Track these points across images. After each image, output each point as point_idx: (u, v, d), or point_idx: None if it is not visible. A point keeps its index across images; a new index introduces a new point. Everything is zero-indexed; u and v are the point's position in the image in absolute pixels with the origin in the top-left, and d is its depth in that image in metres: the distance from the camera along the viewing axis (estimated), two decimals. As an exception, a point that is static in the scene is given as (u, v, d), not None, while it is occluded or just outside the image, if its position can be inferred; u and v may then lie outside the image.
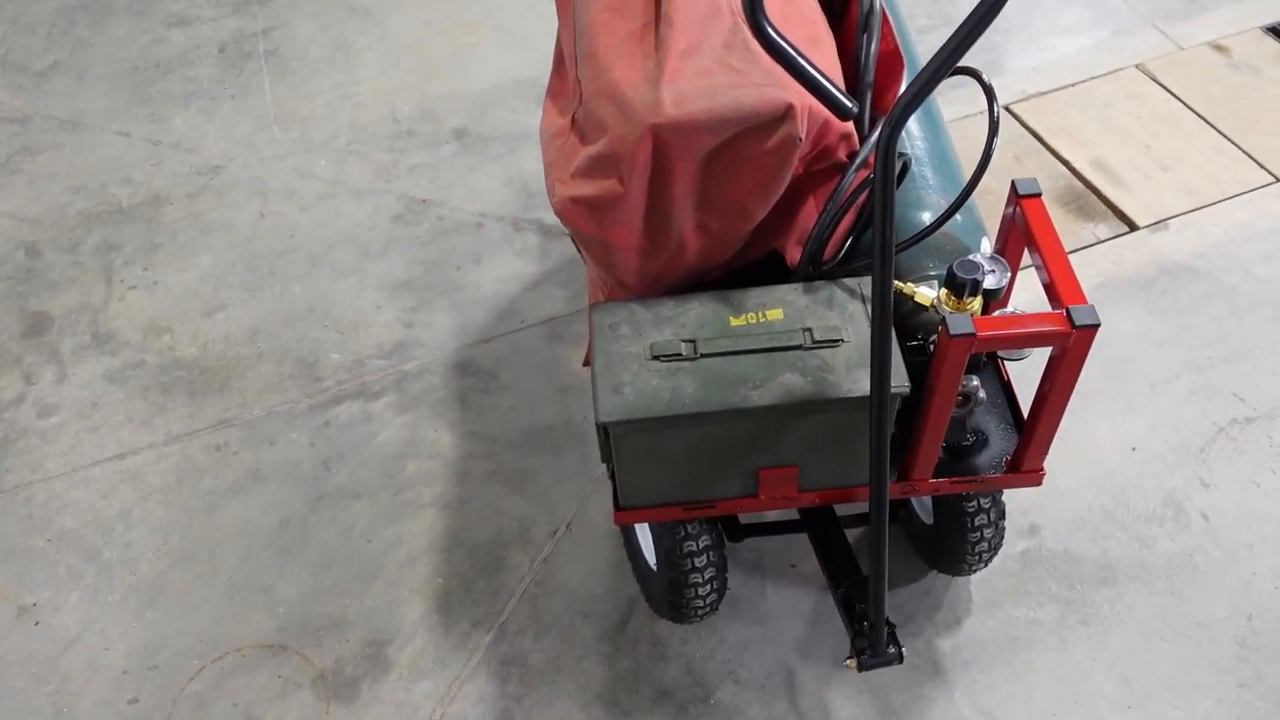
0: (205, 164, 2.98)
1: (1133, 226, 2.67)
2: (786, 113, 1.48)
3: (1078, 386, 2.28)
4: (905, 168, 1.69)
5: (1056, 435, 2.19)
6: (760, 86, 1.50)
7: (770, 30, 1.22)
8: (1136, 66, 3.07)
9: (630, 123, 1.52)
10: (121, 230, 2.82)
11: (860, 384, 1.52)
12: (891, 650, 1.74)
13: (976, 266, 1.56)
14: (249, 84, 3.21)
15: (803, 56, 1.27)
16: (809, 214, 1.65)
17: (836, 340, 1.57)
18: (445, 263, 2.70)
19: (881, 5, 1.80)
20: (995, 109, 1.61)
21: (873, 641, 1.72)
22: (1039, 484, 1.73)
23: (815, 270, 1.67)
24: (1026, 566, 2.11)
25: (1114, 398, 2.35)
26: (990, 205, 2.68)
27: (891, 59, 1.82)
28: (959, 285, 1.56)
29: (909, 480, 1.70)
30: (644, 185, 1.55)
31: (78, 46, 3.36)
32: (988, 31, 2.96)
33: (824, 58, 1.64)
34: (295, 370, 2.50)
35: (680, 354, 1.57)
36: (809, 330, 1.58)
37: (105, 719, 1.99)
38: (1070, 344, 1.47)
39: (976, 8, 1.23)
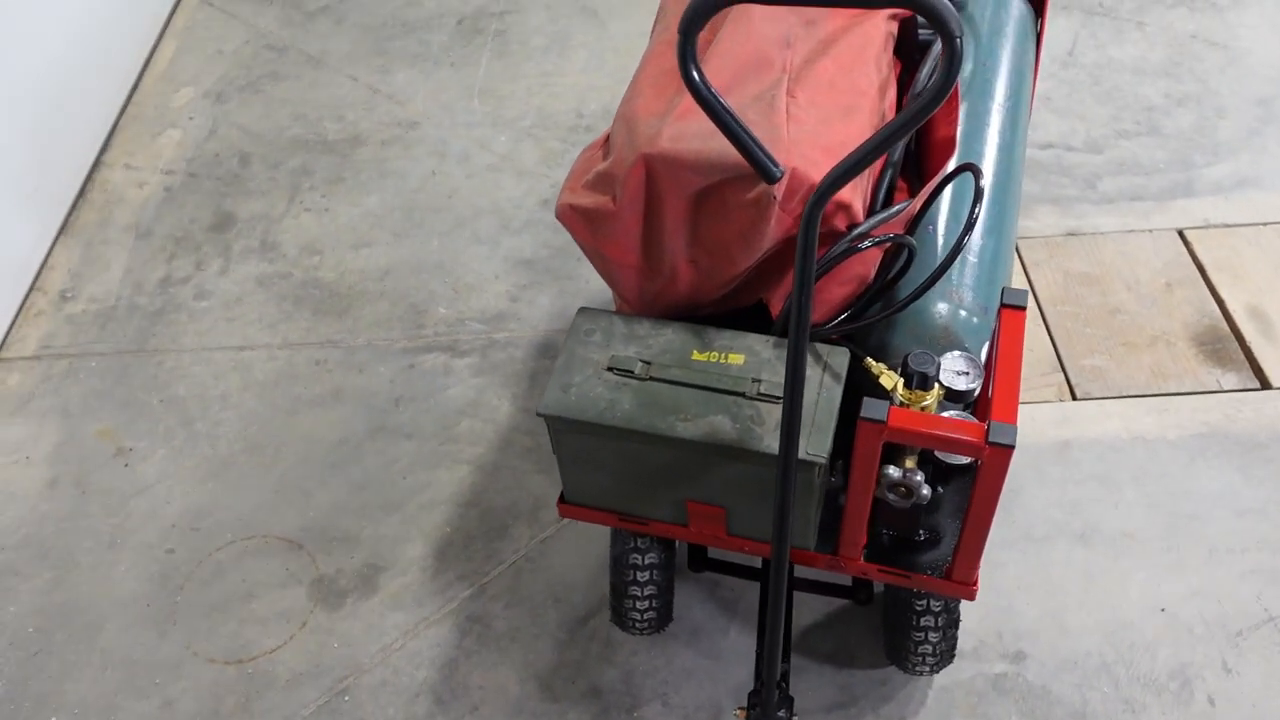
0: (406, 118, 3.31)
1: (1265, 385, 2.46)
2: (768, 170, 1.53)
3: (1128, 529, 2.18)
4: (911, 255, 1.69)
5: (1085, 572, 2.11)
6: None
7: (697, 79, 1.29)
8: (1347, 220, 2.80)
9: (631, 148, 1.62)
10: (318, 159, 3.19)
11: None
12: (781, 714, 1.75)
13: (930, 361, 1.55)
14: (470, 56, 3.52)
15: (732, 114, 1.32)
16: (800, 273, 1.69)
17: (779, 397, 1.60)
18: (569, 252, 2.87)
19: (937, 89, 1.80)
20: (976, 210, 1.58)
21: (763, 702, 1.73)
22: (971, 597, 1.68)
23: (795, 329, 1.70)
24: (996, 690, 2.03)
25: (1165, 552, 2.19)
26: (1120, 325, 2.56)
27: (945, 146, 1.81)
28: (908, 375, 1.55)
29: (837, 555, 1.70)
30: (637, 209, 1.65)
31: (348, -4, 3.80)
32: (1191, 148, 2.83)
33: (853, 129, 1.67)
34: (405, 314, 2.75)
35: (633, 372, 1.65)
36: (758, 381, 1.62)
37: (145, 559, 2.31)
38: (985, 458, 1.44)
39: (916, 99, 1.25)
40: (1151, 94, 3.19)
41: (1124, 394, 2.47)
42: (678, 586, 2.17)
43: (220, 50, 3.60)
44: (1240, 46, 3.32)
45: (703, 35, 1.79)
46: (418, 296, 2.80)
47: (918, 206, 1.72)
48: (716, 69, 1.69)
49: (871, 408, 1.46)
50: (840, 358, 1.65)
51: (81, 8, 3.17)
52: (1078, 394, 2.48)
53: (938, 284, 1.73)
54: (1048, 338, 2.59)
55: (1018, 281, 2.72)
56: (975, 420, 1.52)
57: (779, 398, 1.60)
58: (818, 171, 1.56)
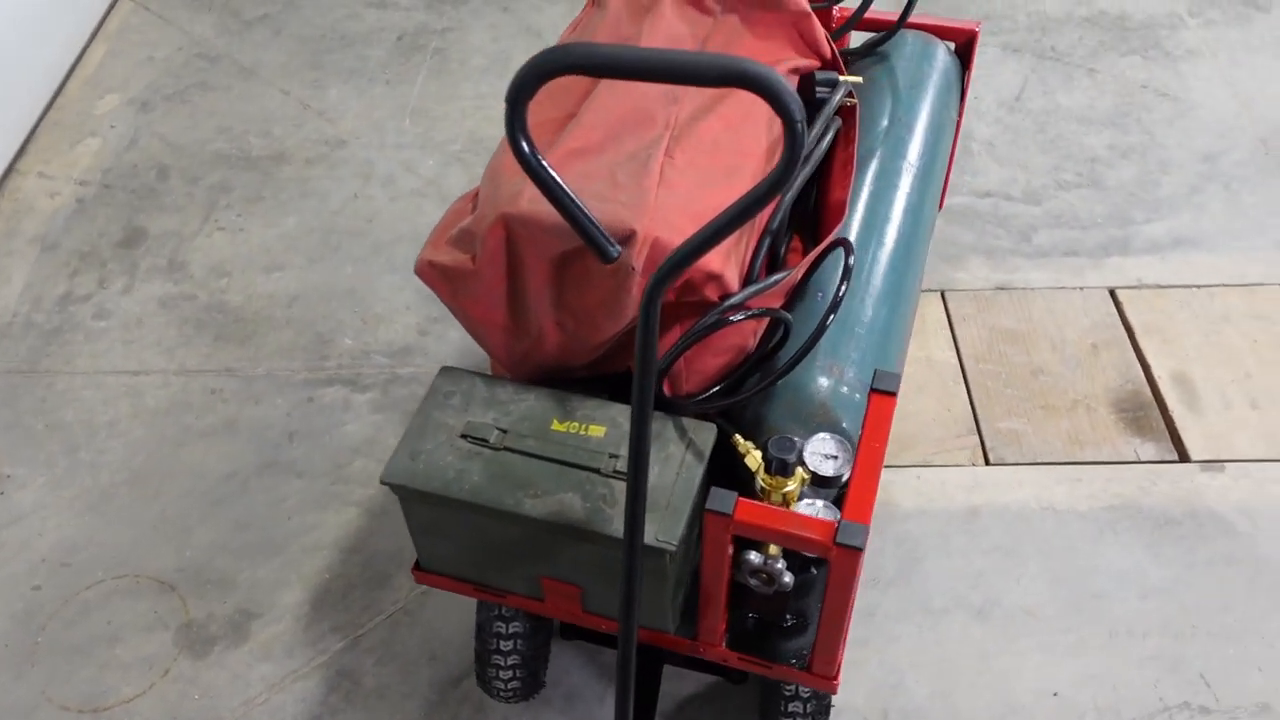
0: (334, 136, 3.22)
1: (1184, 457, 2.38)
2: (627, 239, 1.45)
3: (1029, 605, 2.11)
4: (786, 331, 1.61)
5: (981, 650, 2.04)
6: (618, 206, 1.48)
7: (526, 151, 1.20)
8: (1283, 286, 2.72)
9: (493, 205, 1.54)
10: (239, 176, 3.10)
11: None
12: (634, 802, 1.66)
13: (790, 447, 1.46)
14: (407, 74, 3.43)
15: (564, 189, 1.23)
16: (671, 341, 1.60)
17: (634, 476, 1.51)
18: (485, 285, 2.78)
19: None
20: (841, 290, 1.51)
21: (615, 788, 1.65)
22: (832, 690, 1.60)
23: (665, 399, 1.62)
24: (877, 774, 1.95)
25: (1064, 632, 2.12)
26: (1042, 387, 2.47)
27: (838, 210, 1.73)
28: (767, 461, 1.47)
29: (697, 640, 1.62)
30: (499, 268, 1.57)
31: (288, 5, 3.70)
32: (1131, 203, 2.75)
33: (732, 193, 1.58)
34: (310, 343, 2.66)
35: (487, 440, 1.57)
36: (615, 457, 1.54)
37: (9, 596, 2.21)
38: (832, 560, 1.35)
39: (756, 186, 1.17)
40: (1096, 144, 3.12)
41: (1039, 460, 2.39)
42: (556, 649, 2.09)
43: (151, 56, 3.50)
44: (1191, 99, 3.25)
45: (583, 85, 1.71)
46: (325, 326, 2.70)
47: (799, 276, 1.64)
48: (591, 123, 1.61)
49: (718, 499, 1.38)
50: (706, 434, 1.57)
51: (8, 6, 3.07)
52: (991, 458, 2.40)
53: (818, 357, 1.65)
54: (967, 397, 2.51)
55: (941, 337, 2.64)
56: (830, 516, 1.44)
57: (634, 476, 1.51)
58: (680, 241, 1.47)
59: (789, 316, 1.59)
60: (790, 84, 1.14)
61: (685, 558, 1.56)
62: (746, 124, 1.68)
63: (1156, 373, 2.54)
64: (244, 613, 2.18)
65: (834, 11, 2.30)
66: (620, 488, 1.51)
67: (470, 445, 1.57)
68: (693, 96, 1.69)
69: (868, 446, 1.44)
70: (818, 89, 1.78)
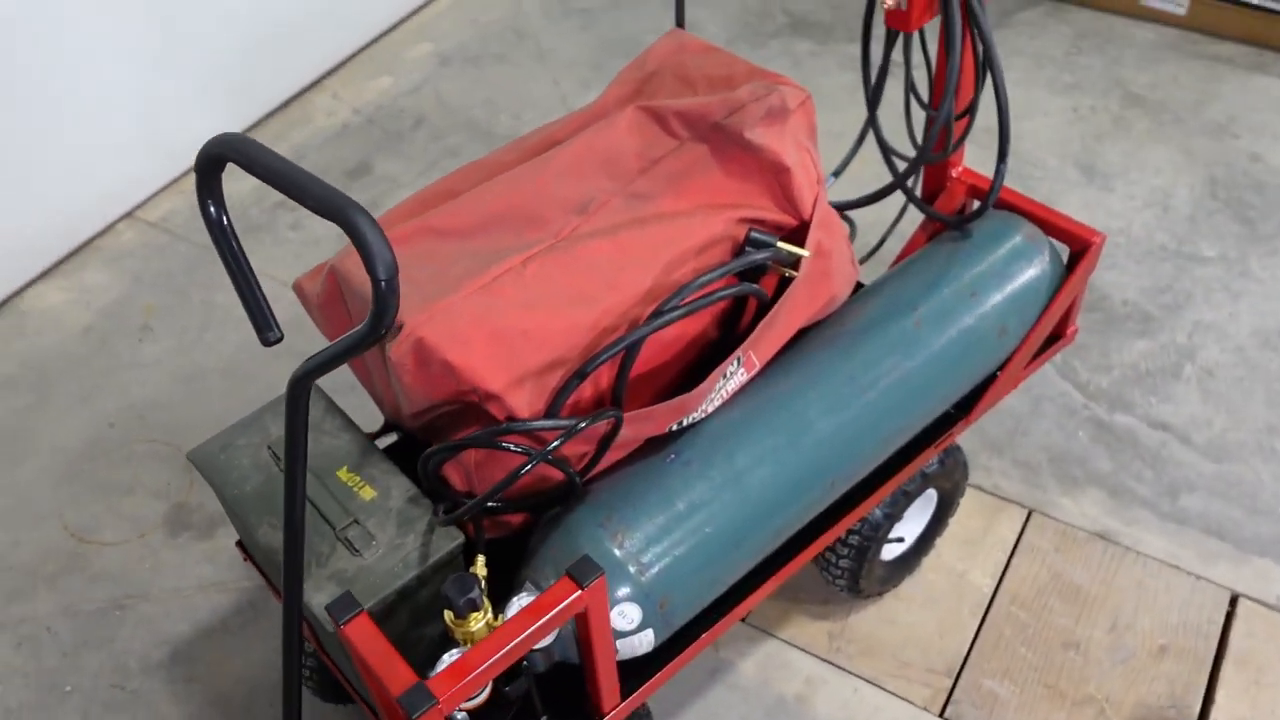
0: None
1: (1172, 823, 1.91)
2: (398, 330, 1.45)
3: None
4: (570, 483, 1.53)
5: None
6: (417, 295, 1.48)
7: (213, 214, 1.24)
8: None
9: (338, 252, 1.60)
10: (472, 145, 3.35)
11: (311, 598, 1.49)
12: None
13: (465, 589, 1.40)
14: (669, 99, 3.49)
15: (239, 260, 1.26)
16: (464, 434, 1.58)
17: (357, 551, 1.53)
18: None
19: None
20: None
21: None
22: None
23: (438, 494, 1.60)
24: None
25: None
26: (1064, 664, 2.09)
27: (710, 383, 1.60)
28: (446, 600, 1.43)
29: None
30: (338, 311, 1.64)
31: (613, 4, 3.89)
32: None
33: (563, 322, 1.51)
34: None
35: (280, 461, 1.65)
36: (357, 524, 1.56)
37: (93, 422, 2.66)
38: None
39: (350, 335, 1.15)
40: (1344, 421, 2.49)
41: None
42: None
43: (477, 19, 3.85)
44: None
45: (500, 165, 1.71)
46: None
47: (590, 426, 1.52)
48: (469, 206, 1.61)
49: (340, 605, 1.37)
50: (446, 542, 1.54)
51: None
52: (949, 712, 2.08)
53: (607, 517, 1.56)
54: (973, 635, 2.18)
55: (992, 559, 2.29)
56: (430, 672, 1.36)
57: (358, 552, 1.53)
58: (454, 349, 1.45)
59: (564, 465, 1.50)
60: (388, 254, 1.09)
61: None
62: (642, 258, 1.58)
63: (1215, 714, 2.04)
64: (222, 516, 2.46)
65: (952, 172, 2.06)
66: (339, 553, 1.54)
67: (269, 458, 1.67)
68: (614, 212, 1.62)
69: (510, 627, 1.35)
70: (747, 248, 1.62)
